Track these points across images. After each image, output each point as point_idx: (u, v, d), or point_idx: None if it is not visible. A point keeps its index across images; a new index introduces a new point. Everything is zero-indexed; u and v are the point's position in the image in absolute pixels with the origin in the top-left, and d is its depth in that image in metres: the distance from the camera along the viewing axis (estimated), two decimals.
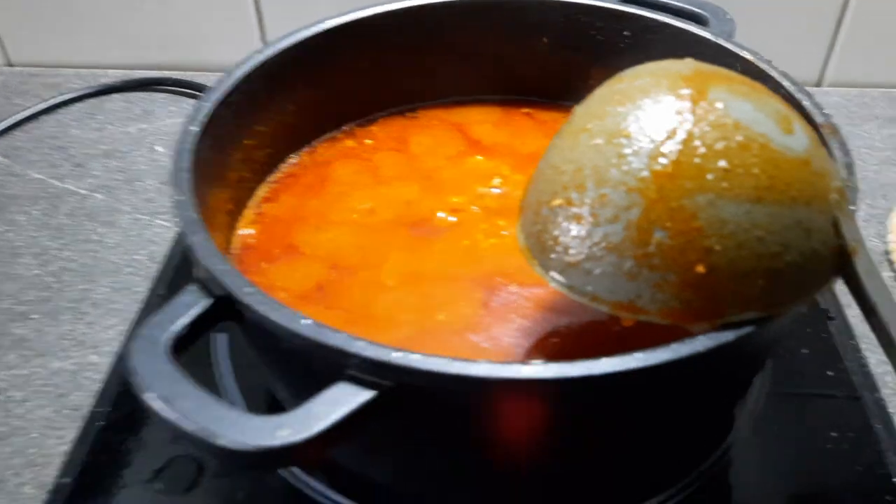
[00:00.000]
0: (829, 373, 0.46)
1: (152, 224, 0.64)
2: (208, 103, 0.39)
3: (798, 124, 0.31)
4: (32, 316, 0.57)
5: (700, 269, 0.28)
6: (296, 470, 0.41)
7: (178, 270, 0.54)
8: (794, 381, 0.46)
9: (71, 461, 0.44)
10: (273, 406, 0.44)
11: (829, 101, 0.77)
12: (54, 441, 0.49)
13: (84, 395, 0.51)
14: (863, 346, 0.51)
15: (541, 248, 0.31)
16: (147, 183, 0.68)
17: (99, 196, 0.67)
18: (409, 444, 0.33)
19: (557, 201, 0.31)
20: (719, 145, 0.28)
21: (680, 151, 0.28)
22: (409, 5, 0.49)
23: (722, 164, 0.28)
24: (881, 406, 0.45)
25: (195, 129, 0.37)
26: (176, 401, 0.27)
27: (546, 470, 0.36)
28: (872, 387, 0.46)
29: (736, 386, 0.38)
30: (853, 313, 0.55)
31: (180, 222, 0.32)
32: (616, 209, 0.28)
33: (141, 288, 0.58)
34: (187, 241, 0.32)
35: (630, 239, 0.28)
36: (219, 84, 0.41)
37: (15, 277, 0.60)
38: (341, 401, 0.27)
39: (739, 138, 0.28)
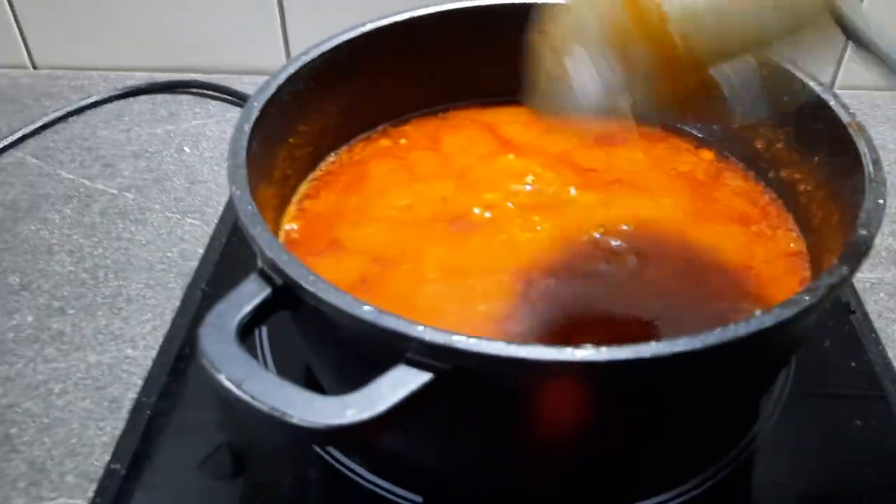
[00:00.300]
0: (852, 364, 0.48)
1: (183, 222, 0.66)
2: (259, 103, 0.41)
3: None
4: (69, 311, 0.58)
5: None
6: (336, 454, 0.42)
7: (218, 267, 0.56)
8: (817, 373, 0.47)
9: (120, 448, 0.45)
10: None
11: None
12: (94, 431, 0.50)
13: (122, 388, 0.52)
14: (882, 336, 0.53)
15: None
16: (176, 182, 0.70)
17: (129, 195, 0.68)
18: (456, 427, 0.35)
19: None
20: None
21: None
22: (442, 10, 0.50)
23: None
24: None
25: (248, 127, 0.38)
26: (246, 382, 0.28)
27: (581, 455, 0.37)
28: (895, 378, 0.48)
29: (767, 374, 0.40)
30: (872, 308, 0.56)
31: (241, 216, 0.34)
32: None
33: (174, 284, 0.60)
34: (250, 232, 0.33)
35: None
36: (267, 84, 0.42)
37: (50, 274, 0.61)
38: (402, 382, 0.29)
39: None
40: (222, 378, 0.28)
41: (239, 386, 0.28)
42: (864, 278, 0.59)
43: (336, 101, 0.48)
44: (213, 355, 0.29)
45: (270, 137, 0.42)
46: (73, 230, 0.65)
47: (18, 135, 0.73)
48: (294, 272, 0.31)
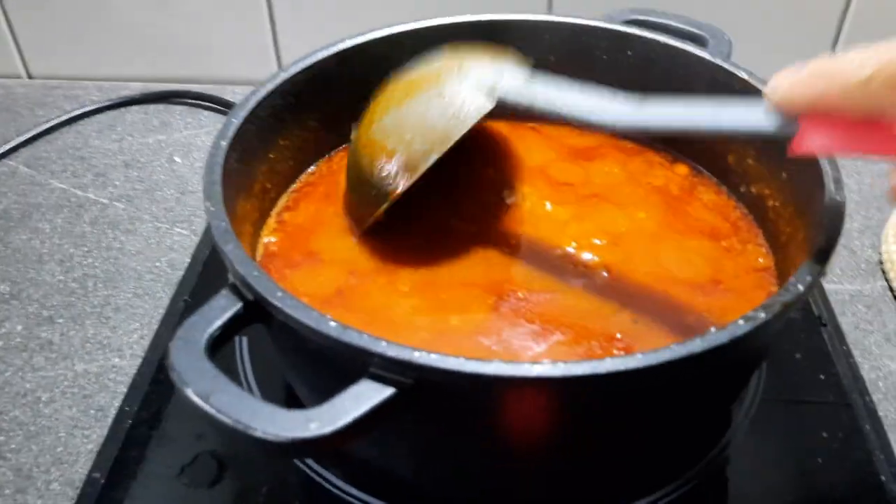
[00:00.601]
0: (821, 377, 0.48)
1: (172, 232, 0.67)
2: (237, 119, 0.41)
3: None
4: (58, 320, 0.59)
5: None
6: (314, 464, 0.43)
7: (202, 277, 0.57)
8: (787, 385, 0.48)
9: (101, 457, 0.46)
10: (289, 400, 0.46)
11: None
12: (80, 440, 0.51)
13: (108, 396, 0.53)
14: (855, 352, 0.53)
15: None
16: (166, 192, 0.71)
17: (120, 205, 0.69)
18: (423, 439, 0.35)
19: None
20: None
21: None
22: (420, 26, 0.51)
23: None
24: (871, 409, 0.48)
25: (225, 143, 0.39)
26: (213, 396, 0.29)
27: (550, 465, 0.38)
28: (863, 390, 0.48)
29: (732, 386, 0.40)
30: (850, 321, 0.57)
31: (213, 231, 0.35)
32: None
33: (162, 294, 0.61)
34: (221, 248, 0.34)
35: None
36: (246, 101, 0.43)
37: (40, 283, 0.62)
38: (364, 397, 0.30)
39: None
40: (189, 391, 0.29)
41: (206, 399, 0.29)
42: (842, 290, 0.60)
43: (317, 116, 0.49)
44: (181, 369, 0.30)
45: (249, 152, 0.43)
46: (64, 239, 0.66)
47: (11, 144, 0.75)
48: (262, 288, 0.32)
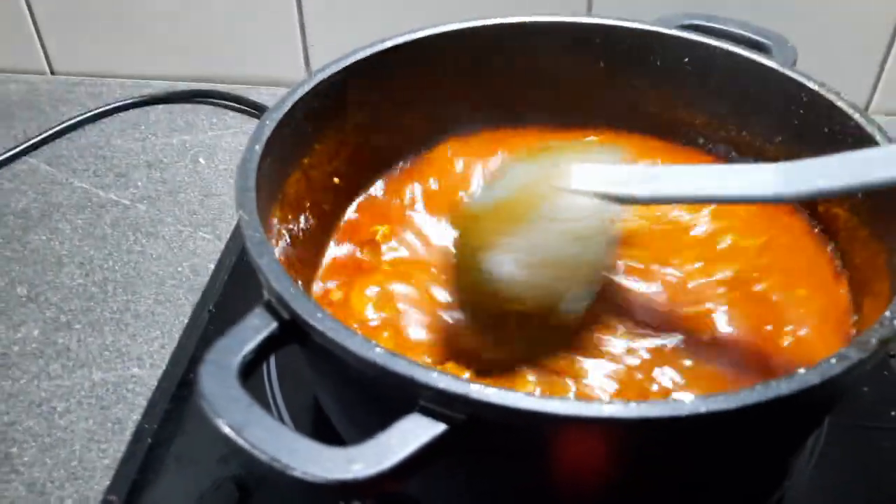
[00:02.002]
0: (893, 413, 0.45)
1: (195, 236, 0.64)
2: (271, 122, 0.39)
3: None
4: (75, 326, 0.57)
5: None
6: None
7: (227, 287, 0.54)
8: (855, 419, 0.44)
9: (118, 478, 0.44)
10: (318, 422, 0.43)
11: None
12: (96, 454, 0.48)
13: (126, 408, 0.51)
14: None
15: None
16: (190, 195, 0.68)
17: (142, 207, 0.67)
18: (471, 481, 0.32)
19: None
20: None
21: None
22: (465, 27, 0.49)
23: None
24: None
25: (259, 148, 0.37)
26: (247, 429, 0.26)
27: None
28: None
29: (808, 426, 0.37)
30: None
31: (247, 243, 0.32)
32: None
33: (183, 301, 0.58)
34: (256, 262, 0.31)
35: None
36: (282, 102, 0.40)
37: (59, 286, 0.60)
38: (413, 434, 0.27)
39: None
40: (221, 423, 0.26)
41: (239, 433, 0.26)
42: None
43: (354, 119, 0.46)
44: (212, 398, 0.27)
45: (283, 158, 0.40)
46: (84, 241, 0.64)
47: (33, 141, 0.73)
48: (301, 307, 0.29)
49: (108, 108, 0.77)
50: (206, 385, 0.27)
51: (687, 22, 0.50)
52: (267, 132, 0.38)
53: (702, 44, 0.47)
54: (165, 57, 0.82)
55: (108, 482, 0.46)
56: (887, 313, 0.30)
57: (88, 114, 0.76)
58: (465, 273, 0.38)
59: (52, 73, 0.84)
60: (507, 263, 0.36)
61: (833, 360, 0.28)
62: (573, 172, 0.37)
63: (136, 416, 0.50)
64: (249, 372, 0.29)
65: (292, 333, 0.30)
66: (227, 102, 0.79)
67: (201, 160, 0.73)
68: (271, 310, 0.31)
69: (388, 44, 0.46)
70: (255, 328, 0.30)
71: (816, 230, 0.45)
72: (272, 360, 0.47)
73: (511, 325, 0.37)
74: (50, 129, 0.74)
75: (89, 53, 0.82)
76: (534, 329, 0.37)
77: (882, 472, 0.42)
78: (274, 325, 0.30)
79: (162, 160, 0.72)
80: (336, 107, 0.44)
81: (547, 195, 0.37)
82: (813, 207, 0.45)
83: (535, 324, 0.37)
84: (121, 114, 0.78)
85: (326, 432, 0.39)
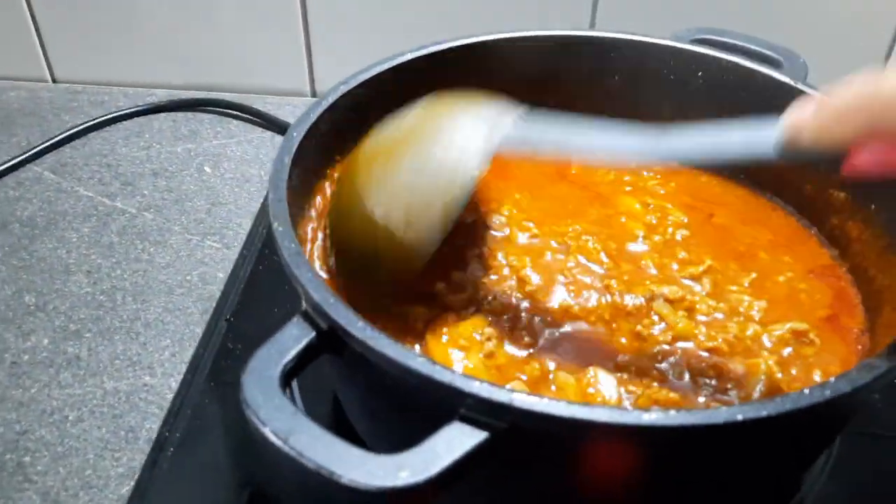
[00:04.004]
0: None
1: (203, 245, 0.64)
2: (299, 133, 0.39)
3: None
4: (85, 334, 0.57)
5: None
6: None
7: (244, 295, 0.54)
8: (868, 428, 0.45)
9: (138, 488, 0.44)
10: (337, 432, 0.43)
11: None
12: (110, 462, 0.48)
13: (139, 417, 0.51)
14: None
15: None
16: (196, 203, 0.68)
17: (148, 215, 0.67)
18: (510, 489, 0.33)
19: None
20: None
21: None
22: (484, 40, 0.49)
23: None
24: None
25: (288, 159, 0.37)
26: (293, 436, 0.27)
27: None
28: None
29: (824, 437, 0.38)
30: None
31: (283, 254, 0.32)
32: None
33: (193, 309, 0.58)
34: (293, 273, 0.31)
35: None
36: (307, 114, 0.41)
37: (67, 294, 0.59)
38: (458, 441, 0.27)
39: None
40: (268, 431, 0.26)
41: (285, 440, 0.26)
42: None
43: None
44: (257, 406, 0.27)
45: (310, 168, 0.41)
46: (91, 250, 0.63)
47: (37, 149, 0.72)
48: (341, 317, 0.30)
49: (112, 115, 0.77)
50: (250, 394, 0.27)
51: (700, 36, 0.51)
52: (295, 143, 0.38)
53: (715, 58, 0.48)
54: (169, 65, 0.82)
55: (123, 490, 0.46)
56: None
57: (92, 122, 0.76)
58: (336, 210, 0.39)
59: (54, 80, 0.84)
60: (371, 186, 0.37)
61: (857, 371, 0.29)
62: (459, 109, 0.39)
63: (150, 425, 0.50)
64: (290, 380, 0.30)
65: (330, 343, 0.31)
66: (230, 111, 0.79)
67: (207, 169, 0.73)
68: (309, 319, 0.31)
69: (408, 56, 0.47)
70: (295, 337, 0.30)
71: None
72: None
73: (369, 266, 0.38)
74: (54, 136, 0.74)
75: (91, 62, 0.82)
76: (386, 269, 0.37)
77: (894, 480, 0.43)
78: (312, 334, 0.31)
79: (167, 168, 0.72)
80: (358, 119, 0.44)
81: (426, 129, 0.38)
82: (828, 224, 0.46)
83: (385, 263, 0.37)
84: (125, 122, 0.78)
85: (348, 439, 0.39)
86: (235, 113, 0.79)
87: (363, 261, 0.38)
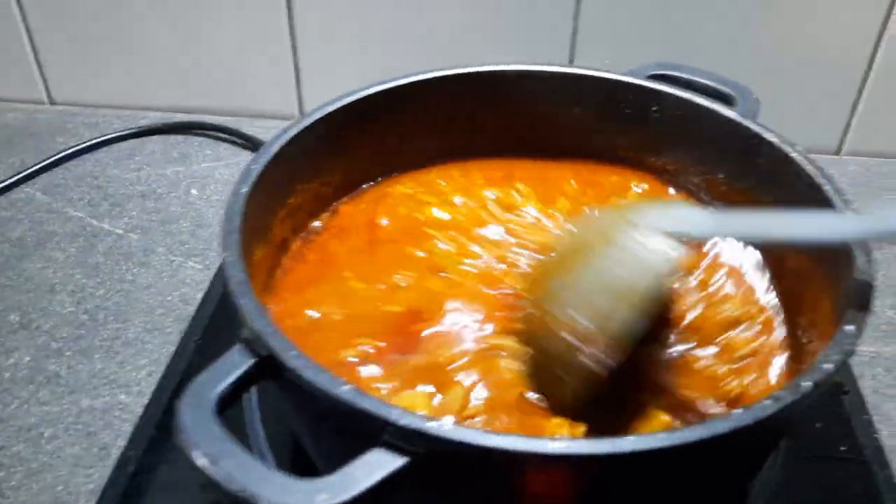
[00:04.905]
0: (842, 448, 0.47)
1: (185, 266, 0.66)
2: (258, 166, 0.41)
3: None
4: (66, 353, 0.58)
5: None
6: None
7: (213, 318, 0.56)
8: (807, 456, 0.46)
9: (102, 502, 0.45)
10: (297, 457, 0.45)
11: (848, 170, 0.78)
12: (82, 479, 0.50)
13: (112, 434, 0.52)
14: (875, 417, 0.52)
15: None
16: (182, 225, 0.71)
17: (134, 236, 0.69)
18: None
19: None
20: None
21: None
22: (450, 73, 0.51)
23: None
24: (892, 485, 0.46)
25: (246, 190, 0.39)
26: (221, 460, 0.28)
27: None
28: (883, 463, 0.47)
29: (753, 461, 0.39)
30: (868, 384, 0.56)
31: (229, 283, 0.34)
32: None
33: (172, 329, 0.60)
34: (237, 302, 0.33)
35: None
36: (269, 145, 0.43)
37: (51, 314, 0.62)
38: (376, 466, 0.29)
39: None
40: (197, 455, 0.28)
41: (213, 464, 0.28)
42: (861, 351, 0.59)
43: (341, 162, 0.49)
44: (189, 431, 0.29)
45: (270, 198, 0.43)
46: (77, 270, 0.65)
47: (30, 170, 0.75)
48: (276, 345, 0.31)
49: (104, 138, 0.80)
50: (184, 419, 0.29)
51: (659, 72, 0.52)
52: (254, 175, 0.40)
53: (669, 94, 0.49)
54: (163, 88, 0.84)
55: None
56: (821, 355, 0.32)
57: (85, 144, 0.79)
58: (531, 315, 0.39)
59: (52, 102, 0.86)
60: (559, 293, 0.37)
61: (768, 402, 0.30)
62: (641, 211, 0.39)
63: (122, 442, 0.51)
64: (227, 405, 0.31)
65: (268, 370, 0.32)
66: (221, 134, 0.81)
67: (194, 191, 0.75)
68: (250, 347, 0.33)
69: (374, 90, 0.48)
70: (234, 364, 0.32)
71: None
72: (254, 393, 0.49)
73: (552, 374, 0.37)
74: (47, 158, 0.76)
75: (88, 84, 0.85)
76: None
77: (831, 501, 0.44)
78: (251, 361, 0.32)
79: (156, 191, 0.75)
80: (323, 150, 0.46)
81: (610, 234, 0.38)
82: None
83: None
84: (117, 144, 0.80)
85: (305, 462, 0.41)
86: (225, 136, 0.81)
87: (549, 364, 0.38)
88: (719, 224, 0.39)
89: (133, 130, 0.81)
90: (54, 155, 0.77)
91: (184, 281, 0.65)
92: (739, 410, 0.30)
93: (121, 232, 0.70)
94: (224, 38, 0.80)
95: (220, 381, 0.31)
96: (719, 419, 0.29)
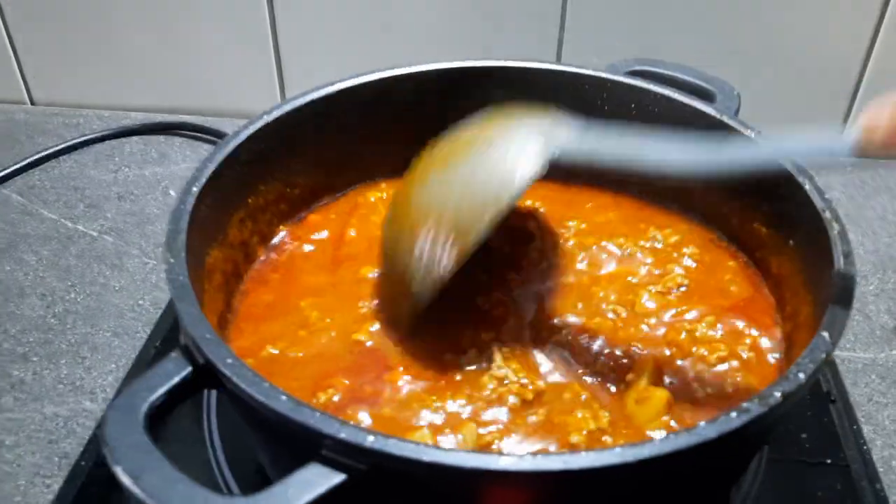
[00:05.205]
0: (828, 461, 0.45)
1: (158, 268, 0.65)
2: (212, 164, 0.39)
3: None
4: (33, 358, 0.57)
5: None
6: None
7: (175, 324, 0.54)
8: (791, 471, 0.44)
9: None
10: (260, 467, 0.43)
11: (845, 171, 0.76)
12: (41, 488, 0.48)
13: (75, 443, 0.51)
14: (867, 427, 0.50)
15: None
16: (157, 227, 0.69)
17: (109, 238, 0.68)
18: None
19: None
20: None
21: None
22: (423, 69, 0.49)
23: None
24: (881, 498, 0.44)
25: (196, 189, 0.37)
26: (144, 475, 0.26)
27: None
28: (873, 477, 0.45)
29: (730, 471, 0.37)
30: (862, 392, 0.53)
31: (170, 286, 0.33)
32: None
33: (141, 334, 0.58)
34: (175, 306, 0.32)
35: None
36: (225, 143, 0.41)
37: (19, 318, 0.60)
38: (312, 483, 0.27)
39: None
40: (119, 470, 0.26)
41: (136, 479, 0.26)
42: (855, 358, 0.57)
43: (302, 162, 0.47)
44: (115, 444, 0.27)
45: (225, 199, 0.41)
46: (48, 272, 0.64)
47: (6, 171, 0.73)
48: (212, 352, 0.30)
49: (83, 139, 0.78)
50: (109, 431, 0.27)
51: (637, 68, 0.51)
52: (206, 174, 0.39)
53: (646, 90, 0.48)
54: (143, 89, 0.83)
55: None
56: (793, 367, 0.30)
57: (63, 145, 0.77)
58: (390, 216, 0.41)
59: (32, 103, 0.85)
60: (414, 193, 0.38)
61: (733, 414, 0.28)
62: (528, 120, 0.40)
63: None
64: (162, 416, 0.30)
65: (207, 379, 0.31)
66: (200, 135, 0.80)
67: (171, 192, 0.73)
68: (188, 354, 0.31)
69: (334, 88, 0.47)
70: (168, 373, 0.30)
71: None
72: (213, 402, 0.47)
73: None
74: (24, 159, 0.75)
75: (68, 84, 0.84)
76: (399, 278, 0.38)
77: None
78: (188, 369, 0.30)
79: (133, 192, 0.73)
80: (282, 149, 0.45)
81: (482, 138, 0.39)
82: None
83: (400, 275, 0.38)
84: (96, 145, 0.79)
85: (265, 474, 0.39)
86: (205, 136, 0.80)
87: (404, 265, 0.38)
88: (598, 144, 0.38)
89: (112, 131, 0.80)
90: (32, 155, 0.75)
91: (157, 284, 0.63)
92: (703, 424, 0.28)
93: (95, 234, 0.68)
94: (206, 38, 0.79)
95: (153, 390, 0.29)
96: (682, 433, 0.27)
